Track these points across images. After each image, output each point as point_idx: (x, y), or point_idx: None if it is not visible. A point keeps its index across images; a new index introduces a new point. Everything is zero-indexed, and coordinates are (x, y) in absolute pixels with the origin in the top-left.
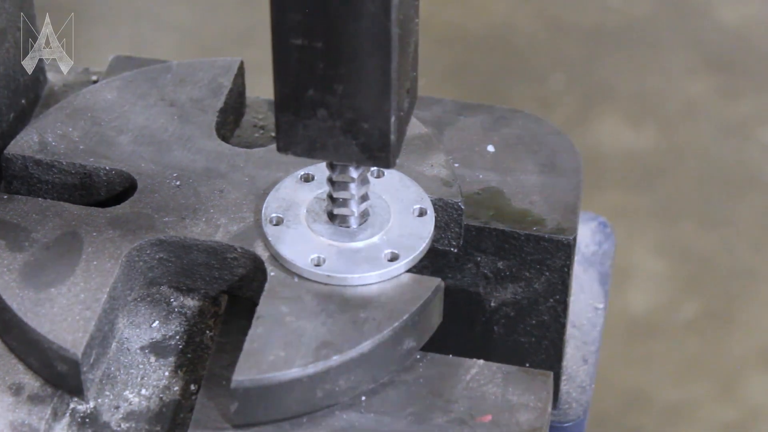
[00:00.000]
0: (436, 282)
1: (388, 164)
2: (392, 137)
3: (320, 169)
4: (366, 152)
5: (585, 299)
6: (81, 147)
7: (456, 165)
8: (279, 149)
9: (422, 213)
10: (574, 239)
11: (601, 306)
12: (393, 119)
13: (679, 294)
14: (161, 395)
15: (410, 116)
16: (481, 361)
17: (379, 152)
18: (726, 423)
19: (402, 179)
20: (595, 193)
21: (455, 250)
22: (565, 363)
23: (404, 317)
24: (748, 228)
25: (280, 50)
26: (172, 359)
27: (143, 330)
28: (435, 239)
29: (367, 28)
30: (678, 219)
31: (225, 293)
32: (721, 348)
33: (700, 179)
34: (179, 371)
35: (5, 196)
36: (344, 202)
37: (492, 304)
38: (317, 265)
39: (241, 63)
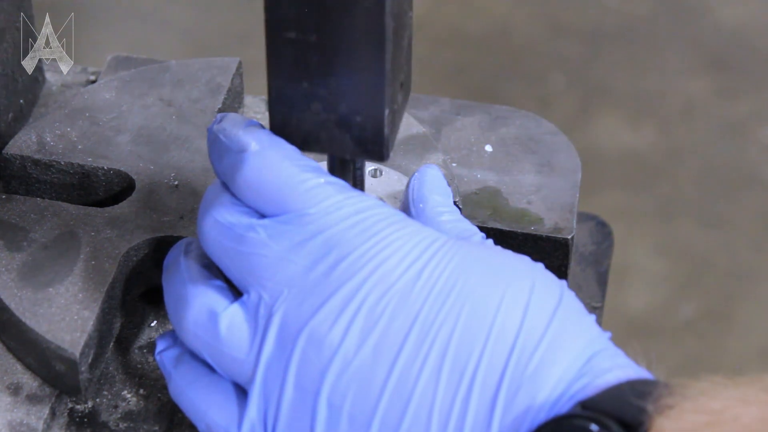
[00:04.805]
0: None
1: (382, 157)
2: (386, 130)
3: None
4: (360, 146)
5: (583, 299)
6: (79, 147)
7: (454, 165)
8: None
9: None
10: (572, 238)
11: (598, 305)
12: (387, 112)
13: (678, 294)
14: (159, 395)
15: (404, 110)
16: None
17: (373, 145)
18: None
19: (400, 179)
20: (594, 192)
21: None
22: None
23: None
24: (747, 228)
25: (273, 43)
26: None
27: (141, 329)
28: None
29: (362, 21)
30: (677, 218)
31: None
32: (720, 348)
33: (698, 179)
34: None
35: (3, 196)
36: None
37: None
38: None
39: (240, 63)
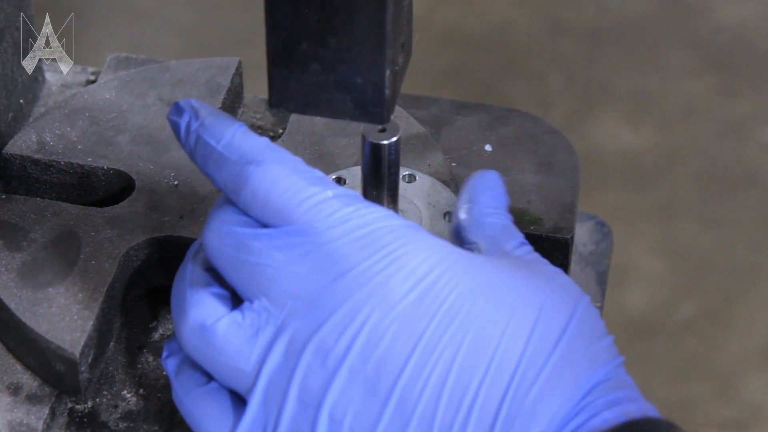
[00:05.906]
0: None
1: (382, 120)
2: (387, 92)
3: (352, 173)
4: (360, 108)
5: None
6: (79, 147)
7: (453, 164)
8: (271, 105)
9: None
10: (572, 238)
11: (598, 305)
12: (387, 73)
13: (678, 293)
14: (159, 395)
15: (405, 73)
16: None
17: (373, 108)
18: (724, 422)
19: (433, 184)
20: (594, 192)
21: None
22: None
23: None
24: (747, 227)
25: (272, 2)
26: None
27: (141, 329)
28: None
29: None
30: (676, 218)
31: None
32: (719, 347)
33: (698, 179)
34: None
35: (3, 196)
36: None
37: None
38: None
39: (239, 63)
